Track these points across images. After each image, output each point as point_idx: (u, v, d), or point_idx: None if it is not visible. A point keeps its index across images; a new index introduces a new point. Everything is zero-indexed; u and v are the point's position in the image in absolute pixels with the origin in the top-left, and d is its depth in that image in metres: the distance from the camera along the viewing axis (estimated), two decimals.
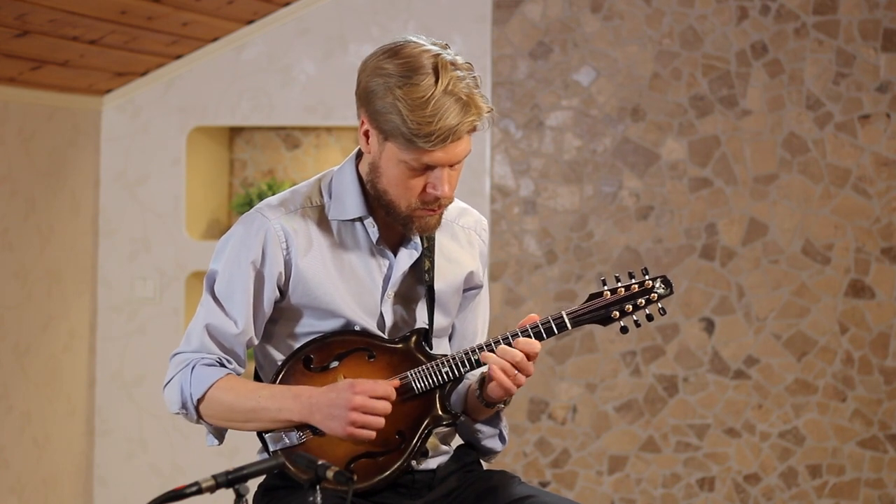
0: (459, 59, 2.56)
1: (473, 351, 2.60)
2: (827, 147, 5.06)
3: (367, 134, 2.59)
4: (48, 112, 5.03)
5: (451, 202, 2.64)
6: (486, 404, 2.66)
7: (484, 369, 2.66)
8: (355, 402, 2.52)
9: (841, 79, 5.05)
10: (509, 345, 2.59)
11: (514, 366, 2.57)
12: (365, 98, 2.56)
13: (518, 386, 2.59)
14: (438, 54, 2.53)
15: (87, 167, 5.30)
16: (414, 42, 2.57)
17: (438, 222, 2.64)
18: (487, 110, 2.54)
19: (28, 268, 4.96)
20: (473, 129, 2.54)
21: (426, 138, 2.50)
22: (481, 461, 2.83)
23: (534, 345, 2.58)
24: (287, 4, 5.20)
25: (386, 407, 2.54)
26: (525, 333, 2.59)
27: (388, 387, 2.55)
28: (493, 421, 2.76)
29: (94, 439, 5.39)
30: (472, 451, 2.81)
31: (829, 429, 5.09)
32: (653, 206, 5.13)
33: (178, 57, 5.28)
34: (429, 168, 2.55)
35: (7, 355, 4.87)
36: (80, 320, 5.30)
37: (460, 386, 2.73)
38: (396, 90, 2.50)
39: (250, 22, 5.23)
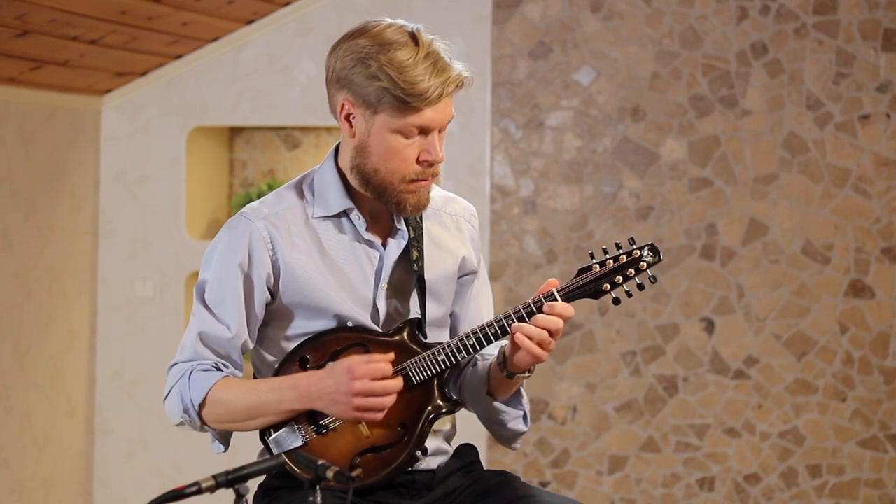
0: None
1: (468, 336, 2.59)
2: (827, 147, 5.07)
3: (348, 118, 2.59)
4: (48, 112, 5.03)
5: (438, 172, 2.65)
6: (509, 375, 2.65)
7: (490, 350, 2.67)
8: (355, 388, 2.51)
9: (841, 79, 5.05)
10: (505, 333, 2.58)
11: (551, 333, 2.56)
12: (344, 79, 2.57)
13: (549, 352, 2.58)
14: (403, 25, 2.60)
15: (87, 167, 5.30)
16: (374, 21, 2.61)
17: (429, 198, 2.64)
18: (466, 68, 2.60)
19: (28, 268, 4.97)
20: (461, 84, 2.57)
21: (421, 96, 2.52)
22: (481, 461, 2.82)
23: (569, 309, 2.57)
24: (287, 4, 5.20)
25: (386, 386, 2.53)
26: (517, 314, 2.58)
27: (386, 365, 2.53)
28: (516, 401, 2.74)
29: (94, 439, 5.39)
30: (473, 451, 2.81)
31: (829, 429, 5.09)
32: (653, 206, 5.13)
33: (178, 57, 5.28)
34: (421, 133, 2.57)
35: (7, 355, 4.87)
36: (80, 320, 5.30)
37: (480, 368, 2.72)
38: (380, 57, 2.53)
39: (250, 22, 5.23)
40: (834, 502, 5.09)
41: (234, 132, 5.64)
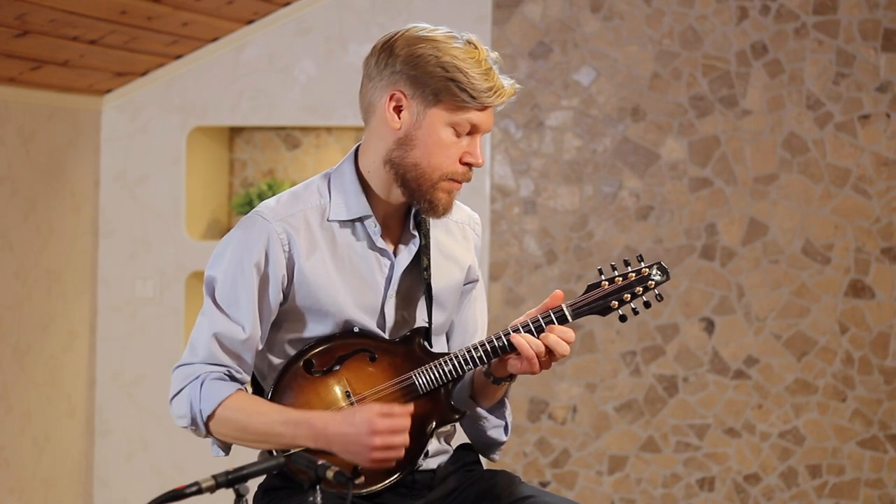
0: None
1: (475, 348, 2.60)
2: (827, 147, 5.07)
3: (398, 108, 2.59)
4: (48, 112, 5.03)
5: (471, 178, 2.68)
6: (495, 380, 2.66)
7: None
8: (376, 443, 2.50)
9: (841, 79, 5.05)
10: (513, 347, 2.59)
11: (549, 350, 2.59)
12: (401, 72, 2.58)
13: (543, 368, 2.61)
14: (450, 32, 2.63)
15: (87, 167, 5.30)
16: (418, 25, 2.65)
17: (453, 202, 2.65)
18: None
19: (28, 268, 4.97)
20: (512, 96, 2.63)
21: (486, 92, 2.56)
22: (481, 461, 2.82)
23: (569, 334, 2.60)
24: (287, 4, 5.20)
25: (405, 441, 2.53)
26: (526, 328, 2.59)
27: (406, 421, 2.53)
28: (499, 410, 2.75)
29: (94, 439, 5.39)
30: (473, 451, 2.81)
31: (829, 429, 5.09)
32: (653, 206, 5.13)
33: (178, 57, 5.28)
34: (470, 133, 2.60)
35: (7, 355, 4.87)
36: (80, 320, 5.30)
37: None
38: (448, 51, 2.56)
39: (250, 22, 5.23)
40: (834, 502, 5.09)
41: (234, 132, 5.64)
